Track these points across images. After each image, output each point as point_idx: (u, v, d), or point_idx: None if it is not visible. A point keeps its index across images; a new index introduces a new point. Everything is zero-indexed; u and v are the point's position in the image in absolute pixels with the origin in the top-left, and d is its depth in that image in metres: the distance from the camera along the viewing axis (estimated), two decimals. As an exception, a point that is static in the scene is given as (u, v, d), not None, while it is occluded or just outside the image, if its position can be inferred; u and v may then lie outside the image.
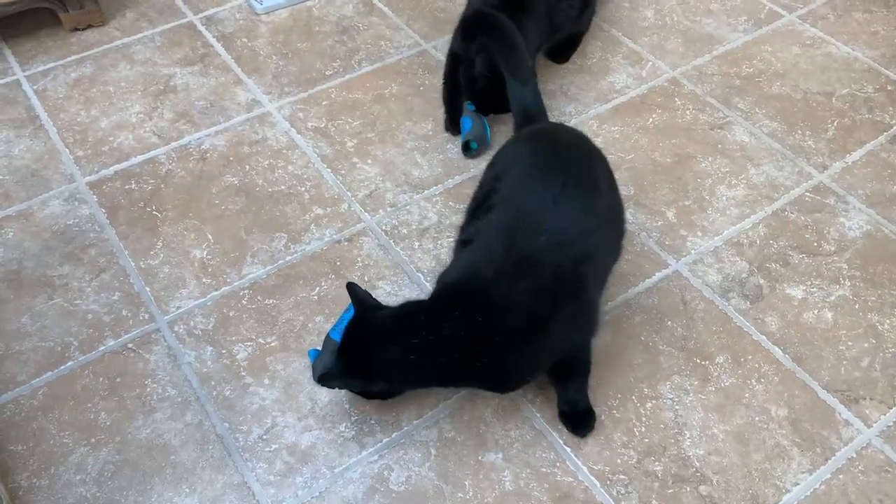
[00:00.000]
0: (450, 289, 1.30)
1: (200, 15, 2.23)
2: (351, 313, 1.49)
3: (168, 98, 2.00)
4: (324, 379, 1.29)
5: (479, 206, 1.38)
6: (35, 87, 2.02)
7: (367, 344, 1.27)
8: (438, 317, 1.24)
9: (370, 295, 1.35)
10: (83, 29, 2.17)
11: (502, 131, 1.88)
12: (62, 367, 1.49)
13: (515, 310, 1.24)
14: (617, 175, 1.47)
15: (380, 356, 1.26)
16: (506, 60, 1.55)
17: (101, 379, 1.47)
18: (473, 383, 1.34)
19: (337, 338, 1.42)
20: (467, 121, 1.86)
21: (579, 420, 1.41)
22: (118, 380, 1.47)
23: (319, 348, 1.47)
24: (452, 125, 1.91)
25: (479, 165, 1.84)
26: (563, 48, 2.09)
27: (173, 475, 1.35)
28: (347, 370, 1.28)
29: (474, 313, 1.23)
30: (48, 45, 2.13)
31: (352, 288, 1.34)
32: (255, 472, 1.36)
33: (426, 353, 1.23)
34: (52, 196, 1.78)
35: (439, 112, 1.96)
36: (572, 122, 1.94)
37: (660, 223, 1.73)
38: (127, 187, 1.80)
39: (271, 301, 1.59)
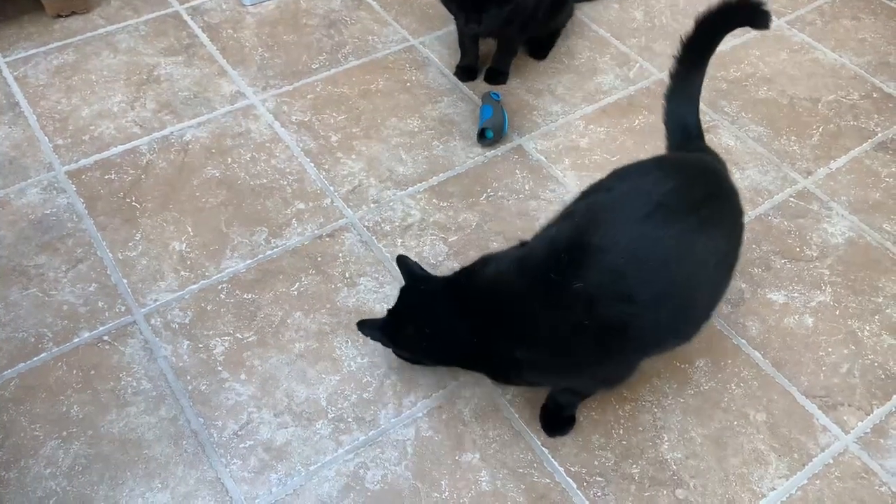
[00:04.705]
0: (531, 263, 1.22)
1: (186, 5, 2.20)
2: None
3: (151, 88, 1.97)
4: (363, 326, 1.38)
5: (587, 193, 1.32)
6: (15, 73, 1.99)
7: (407, 315, 1.34)
8: (499, 297, 1.23)
9: (419, 265, 1.39)
10: (66, 16, 2.14)
11: (516, 125, 1.86)
12: (35, 358, 1.47)
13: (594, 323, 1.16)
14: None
15: (408, 330, 1.32)
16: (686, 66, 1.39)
17: (74, 371, 1.45)
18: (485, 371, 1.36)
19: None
20: (488, 109, 1.86)
21: (559, 424, 1.40)
22: (92, 372, 1.45)
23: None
24: (463, 73, 2.04)
25: (464, 163, 1.83)
26: (541, 44, 2.09)
27: (146, 470, 1.34)
28: (386, 329, 1.36)
29: (560, 309, 1.16)
30: (30, 31, 2.10)
31: (402, 261, 1.39)
32: (230, 468, 1.34)
33: (461, 338, 1.26)
34: (29, 184, 1.75)
35: (426, 108, 1.94)
36: (559, 122, 1.93)
37: (643, 225, 1.72)
38: (107, 177, 1.77)
39: (250, 295, 1.57)
